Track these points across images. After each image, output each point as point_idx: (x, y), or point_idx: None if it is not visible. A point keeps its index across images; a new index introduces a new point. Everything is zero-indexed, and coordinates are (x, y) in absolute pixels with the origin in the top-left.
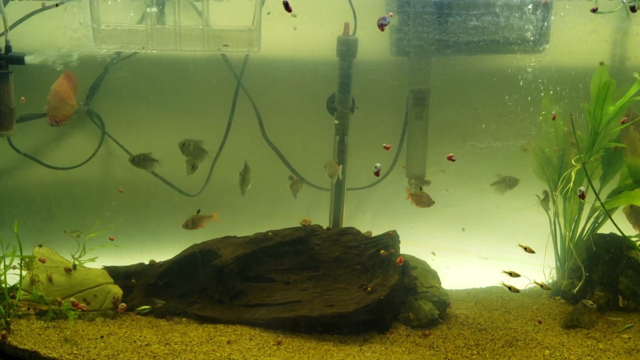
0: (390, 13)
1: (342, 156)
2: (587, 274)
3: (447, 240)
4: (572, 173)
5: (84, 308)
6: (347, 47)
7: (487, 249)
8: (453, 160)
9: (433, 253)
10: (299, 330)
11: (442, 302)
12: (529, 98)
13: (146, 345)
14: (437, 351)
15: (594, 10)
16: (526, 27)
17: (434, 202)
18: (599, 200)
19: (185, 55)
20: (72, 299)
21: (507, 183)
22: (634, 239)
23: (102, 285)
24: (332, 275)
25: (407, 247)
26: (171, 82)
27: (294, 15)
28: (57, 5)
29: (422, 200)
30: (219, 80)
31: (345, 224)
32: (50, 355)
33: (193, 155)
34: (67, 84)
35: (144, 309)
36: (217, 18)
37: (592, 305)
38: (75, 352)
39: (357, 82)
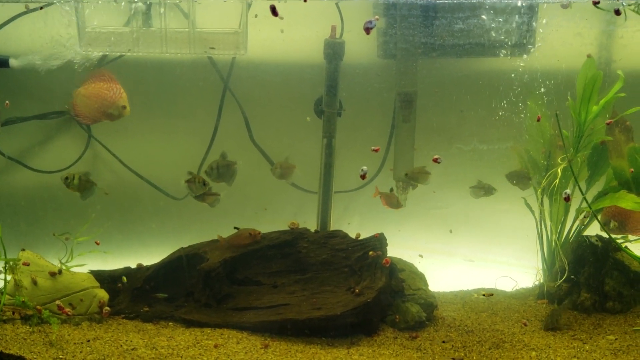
0: (377, 16)
1: (330, 159)
2: (572, 276)
3: (435, 243)
4: (558, 170)
5: (68, 313)
6: (334, 49)
7: (474, 251)
8: (438, 162)
9: (420, 255)
10: (287, 334)
11: (430, 305)
12: (515, 100)
13: (132, 349)
14: (424, 353)
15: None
16: (512, 31)
17: (402, 206)
18: (586, 201)
19: (173, 58)
20: (58, 302)
21: (485, 190)
22: (619, 241)
23: (88, 289)
24: (320, 278)
25: (395, 250)
26: (158, 85)
27: (281, 18)
28: (41, 8)
29: (391, 201)
30: (206, 83)
31: (335, 226)
32: None
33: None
34: (113, 85)
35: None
36: (204, 21)
37: (564, 305)
38: (61, 356)
39: (344, 85)
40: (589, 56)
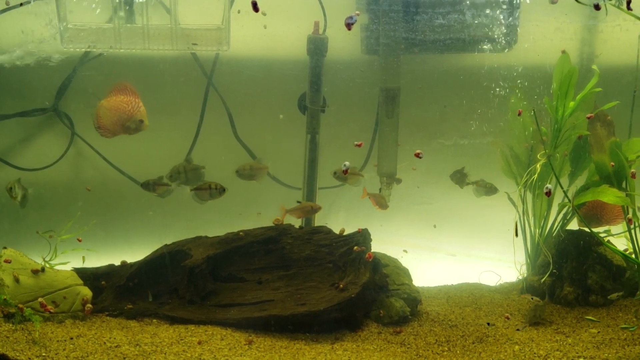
0: (357, 12)
1: (314, 155)
2: (555, 270)
3: (419, 238)
4: (537, 166)
5: (50, 310)
6: (317, 45)
7: (458, 246)
8: (420, 157)
9: (405, 251)
10: (271, 330)
11: (414, 299)
12: (498, 96)
13: (116, 346)
14: (408, 348)
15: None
16: (494, 26)
17: (387, 207)
18: (566, 195)
19: (156, 54)
20: (40, 300)
21: (486, 190)
22: (602, 235)
23: (71, 286)
24: (304, 274)
25: (379, 245)
26: (141, 81)
27: (264, 14)
28: (21, 4)
29: (380, 201)
30: (188, 79)
31: (320, 222)
32: (18, 358)
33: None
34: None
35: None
36: (187, 17)
37: (538, 301)
38: (44, 354)
39: (328, 81)
40: (563, 52)
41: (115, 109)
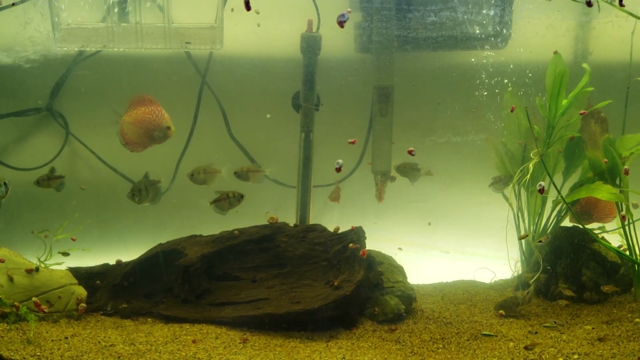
0: (349, 9)
1: (308, 153)
2: (548, 267)
3: (414, 236)
4: (530, 166)
5: (44, 310)
6: (310, 43)
7: (453, 244)
8: (412, 155)
9: (399, 248)
10: (266, 328)
11: (408, 297)
12: (492, 93)
13: (110, 345)
14: (403, 345)
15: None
16: (488, 23)
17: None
18: (559, 193)
19: (149, 53)
20: (34, 299)
21: (503, 182)
22: (596, 231)
23: (66, 286)
24: (299, 272)
25: (374, 243)
26: (135, 80)
27: (257, 12)
28: (13, 4)
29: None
30: (182, 78)
31: (315, 220)
32: (13, 358)
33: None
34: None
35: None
36: (180, 15)
37: (523, 295)
38: (38, 353)
39: (322, 79)
40: (555, 52)
41: (139, 122)
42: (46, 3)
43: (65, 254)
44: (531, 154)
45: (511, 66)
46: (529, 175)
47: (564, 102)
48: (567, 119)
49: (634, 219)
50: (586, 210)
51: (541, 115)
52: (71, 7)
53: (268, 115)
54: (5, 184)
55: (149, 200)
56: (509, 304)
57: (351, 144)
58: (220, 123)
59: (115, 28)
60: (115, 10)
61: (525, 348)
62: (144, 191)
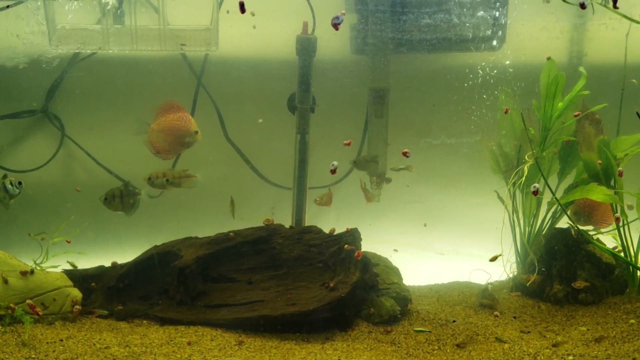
0: (343, 11)
1: (304, 155)
2: (543, 269)
3: (409, 237)
4: (525, 168)
5: (39, 312)
6: (306, 45)
7: (448, 245)
8: (407, 157)
9: (395, 250)
10: (261, 330)
11: (404, 298)
12: (488, 95)
13: (105, 347)
14: (398, 347)
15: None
16: (483, 25)
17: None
18: (554, 195)
19: (146, 54)
20: (29, 301)
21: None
22: (590, 233)
23: (61, 288)
24: (294, 274)
25: (369, 245)
26: (132, 82)
27: (253, 14)
28: (8, 6)
29: (368, 195)
30: (176, 79)
31: (311, 222)
32: None
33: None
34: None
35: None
36: (175, 17)
37: (491, 287)
38: (33, 356)
39: (317, 81)
40: (548, 59)
41: (168, 130)
42: (41, 5)
43: (73, 265)
44: (526, 157)
45: (506, 68)
46: (524, 179)
47: (560, 104)
48: (562, 121)
49: (629, 220)
50: (585, 211)
51: (536, 117)
52: (67, 9)
53: (260, 120)
54: (20, 183)
55: (122, 209)
56: (486, 295)
57: (347, 146)
58: (216, 125)
59: (110, 30)
60: (111, 11)
61: (554, 345)
62: (117, 198)
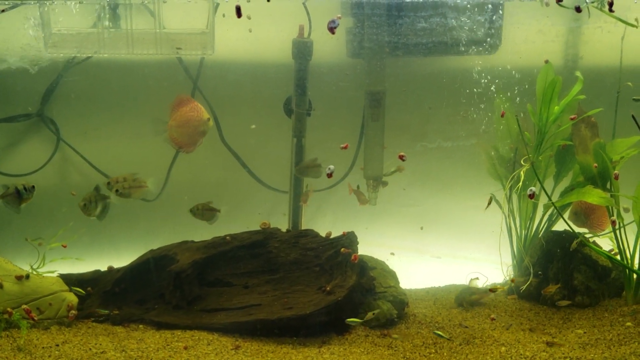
0: (339, 15)
1: (300, 159)
2: (539, 272)
3: (406, 240)
4: (522, 173)
5: (34, 318)
6: (302, 49)
7: (445, 248)
8: (403, 160)
9: (392, 253)
10: (258, 334)
11: (400, 302)
12: (484, 98)
13: (102, 352)
14: (395, 351)
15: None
16: (478, 29)
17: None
18: (549, 198)
19: (141, 58)
20: (24, 306)
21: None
22: (587, 235)
23: (57, 292)
24: (291, 277)
25: (366, 248)
26: (128, 85)
27: (249, 17)
28: (3, 11)
29: (362, 198)
30: (172, 83)
31: (307, 226)
32: None
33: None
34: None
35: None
36: (171, 21)
37: (475, 287)
38: None
39: (313, 85)
40: (546, 62)
41: (186, 122)
42: (37, 9)
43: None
44: (522, 161)
45: (502, 71)
46: (520, 183)
47: (556, 108)
48: (559, 124)
49: (625, 222)
50: (583, 212)
51: (532, 120)
52: (62, 13)
53: (253, 126)
54: (33, 187)
55: (95, 214)
56: (464, 295)
57: (343, 149)
58: (212, 129)
59: (106, 34)
60: (106, 16)
61: (548, 344)
62: (94, 203)
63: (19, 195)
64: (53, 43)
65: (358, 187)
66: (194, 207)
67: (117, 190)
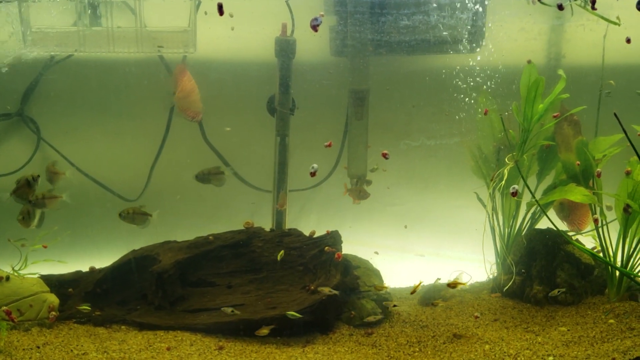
0: (322, 13)
1: (284, 157)
2: (523, 270)
3: (390, 239)
4: (505, 171)
5: (15, 319)
6: (285, 47)
7: (429, 247)
8: (387, 158)
9: (376, 252)
10: (241, 334)
11: (385, 300)
12: (468, 96)
13: (83, 354)
14: (379, 349)
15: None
16: (461, 27)
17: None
18: (533, 196)
19: (122, 57)
20: (4, 308)
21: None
22: (570, 233)
23: (37, 294)
24: (275, 277)
25: (350, 247)
26: (109, 84)
27: (231, 15)
28: None
29: (359, 194)
30: (153, 82)
31: (292, 225)
32: None
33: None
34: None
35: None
36: (153, 19)
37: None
38: None
39: (297, 83)
40: (529, 62)
41: (189, 91)
42: (16, 7)
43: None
44: (506, 159)
45: (484, 69)
46: (504, 182)
47: (540, 106)
48: (542, 123)
49: (607, 220)
50: (567, 204)
51: (516, 119)
52: (42, 11)
53: (228, 129)
54: (38, 176)
55: (34, 225)
56: (430, 294)
57: (327, 147)
58: (194, 127)
59: (86, 32)
60: (87, 14)
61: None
62: (32, 214)
63: (30, 187)
64: (33, 41)
65: (357, 182)
66: (123, 211)
67: (29, 201)
